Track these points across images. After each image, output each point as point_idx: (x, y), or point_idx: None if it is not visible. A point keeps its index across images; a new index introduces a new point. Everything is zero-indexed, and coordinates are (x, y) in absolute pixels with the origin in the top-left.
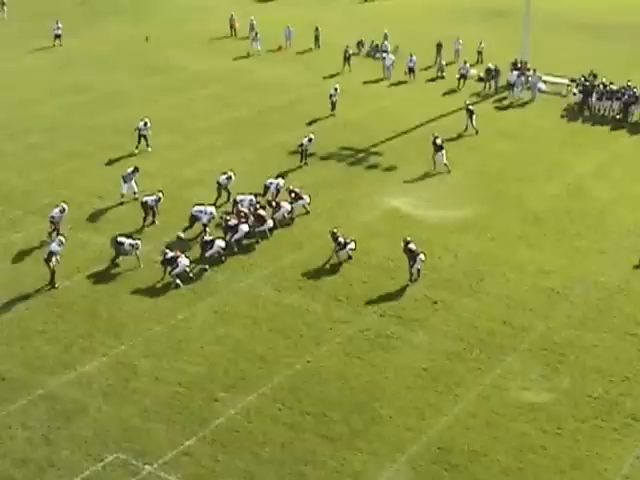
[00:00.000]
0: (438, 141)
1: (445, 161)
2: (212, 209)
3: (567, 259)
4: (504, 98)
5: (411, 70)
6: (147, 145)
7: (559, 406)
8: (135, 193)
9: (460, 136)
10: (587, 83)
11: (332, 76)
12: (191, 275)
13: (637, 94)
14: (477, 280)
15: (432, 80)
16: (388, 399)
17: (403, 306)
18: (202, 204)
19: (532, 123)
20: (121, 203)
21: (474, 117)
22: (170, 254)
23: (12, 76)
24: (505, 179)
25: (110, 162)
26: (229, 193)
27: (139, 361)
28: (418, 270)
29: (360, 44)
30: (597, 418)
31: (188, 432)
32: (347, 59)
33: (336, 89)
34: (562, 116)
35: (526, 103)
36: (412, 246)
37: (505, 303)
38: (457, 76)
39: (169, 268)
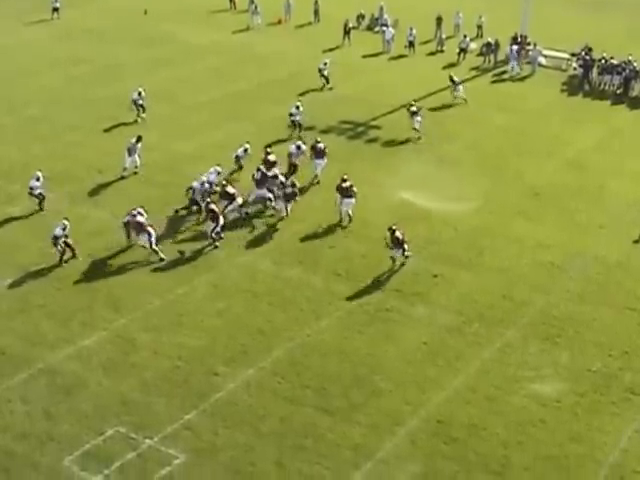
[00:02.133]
0: (413, 108)
1: (416, 126)
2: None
3: (567, 233)
4: (504, 72)
5: (411, 44)
6: (139, 114)
7: (558, 380)
8: (137, 167)
9: (454, 108)
10: (587, 57)
11: (332, 49)
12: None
13: (637, 69)
14: (477, 254)
15: (432, 54)
16: (387, 373)
17: (403, 280)
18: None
19: (532, 97)
20: (122, 177)
21: (460, 87)
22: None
23: (10, 49)
24: (505, 153)
25: (110, 135)
26: (300, 127)
27: (139, 335)
28: (406, 257)
29: (360, 17)
30: (596, 392)
31: (188, 406)
32: (347, 32)
33: (326, 63)
34: (562, 90)
35: (526, 77)
36: (399, 234)
37: (505, 277)
38: (457, 50)
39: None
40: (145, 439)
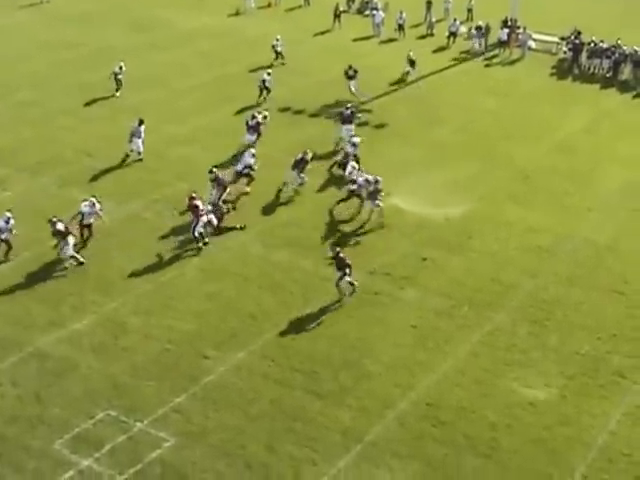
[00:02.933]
0: (350, 72)
1: (354, 90)
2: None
3: (556, 217)
4: (494, 56)
5: (401, 27)
6: (118, 89)
7: (547, 363)
8: (140, 154)
9: (443, 93)
10: (577, 41)
11: (322, 33)
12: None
13: (626, 52)
14: (466, 238)
15: (422, 37)
16: (377, 356)
17: (392, 263)
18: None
19: (521, 81)
20: (124, 160)
21: (415, 67)
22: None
23: (0, 33)
24: (494, 137)
25: (101, 119)
26: (269, 91)
27: (129, 318)
28: (351, 285)
29: (350, 1)
30: (584, 375)
31: (178, 389)
32: (337, 16)
33: (278, 39)
34: (552, 74)
35: (516, 61)
36: (342, 255)
37: (494, 261)
38: (446, 34)
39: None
40: (135, 422)
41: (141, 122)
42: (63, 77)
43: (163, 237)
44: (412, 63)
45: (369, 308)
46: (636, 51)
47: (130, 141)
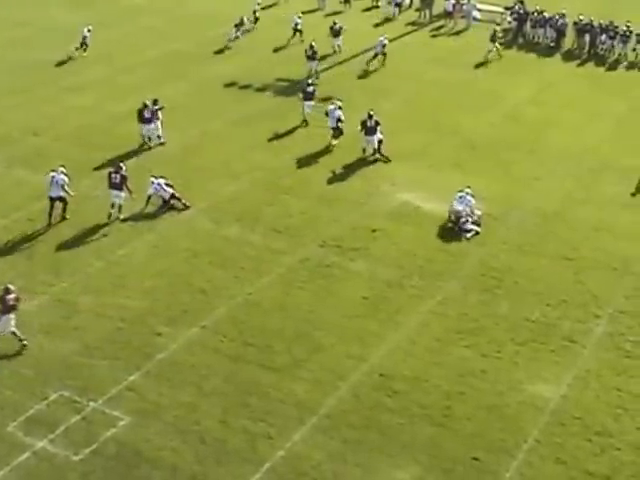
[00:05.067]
0: (309, 52)
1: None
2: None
3: (503, 186)
4: (441, 27)
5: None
6: (84, 50)
7: (498, 330)
8: (159, 137)
9: (388, 65)
10: (521, 11)
11: (268, 7)
12: None
13: (569, 22)
14: (415, 208)
15: (367, 9)
16: (329, 328)
17: (342, 235)
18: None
19: (467, 51)
20: (149, 148)
21: (340, 38)
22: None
23: None
24: (441, 108)
25: (48, 98)
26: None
27: (80, 298)
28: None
29: None
30: (535, 341)
31: (131, 367)
32: None
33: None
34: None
35: (461, 32)
36: (11, 298)
37: (443, 230)
38: (392, 5)
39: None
40: (89, 402)
41: (155, 101)
42: (10, 56)
43: (112, 215)
44: (336, 33)
45: (320, 281)
46: (581, 20)
47: (147, 123)
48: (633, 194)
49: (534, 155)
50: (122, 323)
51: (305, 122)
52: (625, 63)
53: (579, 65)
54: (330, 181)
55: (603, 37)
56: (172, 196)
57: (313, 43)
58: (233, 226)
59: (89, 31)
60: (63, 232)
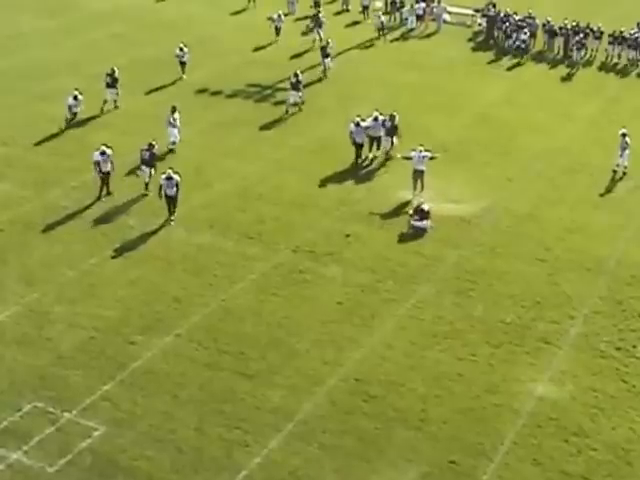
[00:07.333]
0: (293, 80)
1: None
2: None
3: (476, 188)
4: (411, 30)
5: (317, 4)
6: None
7: (473, 333)
8: (174, 143)
9: (361, 69)
10: (492, 13)
11: (238, 12)
12: None
13: (539, 23)
14: (388, 213)
15: (338, 13)
16: (304, 334)
17: (315, 241)
18: None
19: (438, 54)
20: (171, 150)
21: (322, 29)
22: None
23: None
24: (413, 111)
25: (14, 107)
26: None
27: (53, 308)
28: None
29: None
30: (510, 343)
31: (105, 377)
32: None
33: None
34: (468, 46)
35: (431, 35)
36: None
37: (416, 234)
38: (359, 9)
39: None
40: (64, 412)
41: (174, 109)
42: None
43: (84, 225)
44: (326, 54)
45: (294, 286)
46: (548, 21)
47: (173, 127)
48: (602, 195)
49: (506, 156)
50: (96, 333)
51: (287, 111)
52: (597, 64)
53: (551, 66)
54: (303, 187)
55: (576, 39)
56: (108, 173)
57: (298, 72)
58: (206, 233)
59: (75, 98)
60: (33, 242)
